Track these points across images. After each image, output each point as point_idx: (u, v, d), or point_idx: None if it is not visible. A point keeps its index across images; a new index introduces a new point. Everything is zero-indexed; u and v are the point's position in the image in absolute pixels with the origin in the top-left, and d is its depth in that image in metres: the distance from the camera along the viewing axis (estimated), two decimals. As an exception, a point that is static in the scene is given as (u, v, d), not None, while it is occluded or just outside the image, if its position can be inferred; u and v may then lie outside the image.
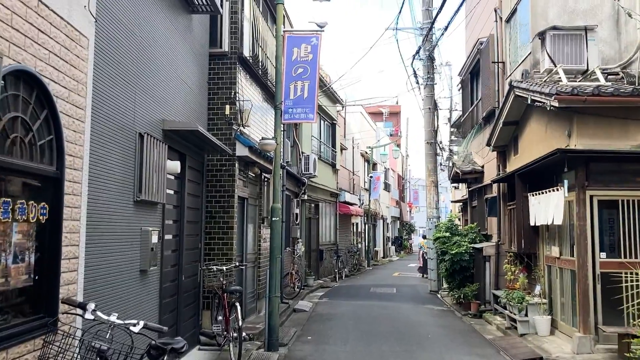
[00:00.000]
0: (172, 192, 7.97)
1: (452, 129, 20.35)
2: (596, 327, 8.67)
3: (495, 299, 12.95)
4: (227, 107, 9.86)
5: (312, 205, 21.08)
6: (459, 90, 23.79)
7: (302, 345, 9.76)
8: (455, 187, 28.90)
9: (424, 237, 27.73)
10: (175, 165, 7.11)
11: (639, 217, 8.74)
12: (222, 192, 10.00)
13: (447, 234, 14.75)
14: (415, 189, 57.73)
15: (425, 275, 24.39)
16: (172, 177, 8.00)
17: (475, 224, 15.48)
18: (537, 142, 10.79)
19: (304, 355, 9.03)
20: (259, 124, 11.76)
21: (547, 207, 9.61)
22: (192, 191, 8.94)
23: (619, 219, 8.83)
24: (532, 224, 10.71)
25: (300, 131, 18.90)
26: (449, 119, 22.91)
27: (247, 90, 10.70)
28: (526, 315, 10.34)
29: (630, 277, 8.22)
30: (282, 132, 14.16)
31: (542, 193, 10.02)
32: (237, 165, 10.11)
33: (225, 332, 8.47)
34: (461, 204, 22.61)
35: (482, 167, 15.68)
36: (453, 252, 14.02)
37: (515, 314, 10.51)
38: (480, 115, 15.72)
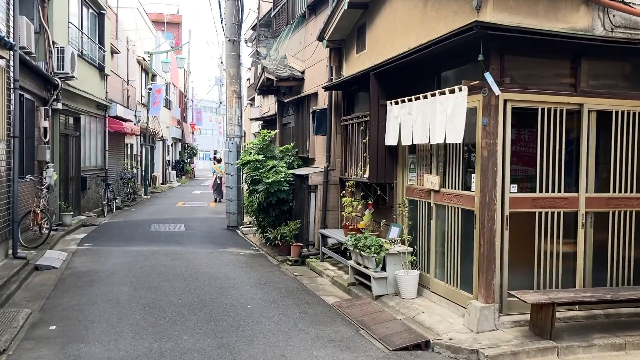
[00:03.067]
0: None
1: (260, 30, 16.41)
2: (501, 291, 6.02)
3: (324, 240, 9.96)
4: None
5: (71, 118, 15.69)
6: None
7: (36, 351, 5.50)
8: (251, 104, 25.48)
9: (219, 160, 23.99)
10: None
11: (560, 132, 6.13)
12: None
13: (261, 157, 11.19)
14: (198, 109, 53.14)
15: (219, 199, 21.53)
16: None
17: (291, 144, 12.16)
18: (406, 29, 7.58)
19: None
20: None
21: (432, 119, 6.54)
22: None
23: (536, 136, 6.14)
24: (392, 143, 7.65)
25: (51, 11, 13.26)
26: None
27: None
28: (383, 269, 7.42)
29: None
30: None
31: (418, 99, 6.92)
32: None
33: None
34: (262, 122, 19.26)
35: (303, 72, 12.28)
36: (269, 180, 10.55)
37: (368, 268, 7.52)
38: (303, 4, 12.12)
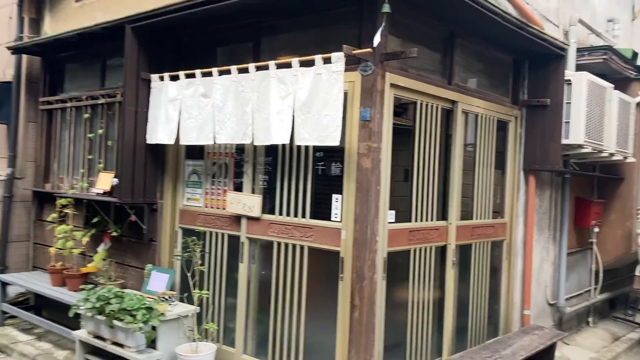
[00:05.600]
0: None
1: None
2: (379, 374, 3.96)
3: (3, 292, 6.24)
4: None
5: None
6: None
7: None
8: None
9: None
10: None
11: (436, 137, 4.44)
12: None
13: None
14: None
15: None
16: None
17: None
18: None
19: None
20: None
21: (262, 107, 4.07)
22: None
23: (412, 142, 4.31)
24: (164, 140, 4.84)
25: None
26: None
27: None
28: (153, 345, 4.55)
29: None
30: None
31: (226, 73, 4.35)
32: None
33: None
34: None
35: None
36: None
37: (127, 346, 4.50)
38: None
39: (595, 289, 6.95)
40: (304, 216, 4.14)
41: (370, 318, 3.81)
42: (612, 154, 5.87)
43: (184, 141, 4.67)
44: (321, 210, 4.07)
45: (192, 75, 4.60)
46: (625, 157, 6.25)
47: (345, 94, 3.82)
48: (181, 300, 4.77)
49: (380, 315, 3.92)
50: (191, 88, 4.62)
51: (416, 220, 4.29)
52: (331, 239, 3.95)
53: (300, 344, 4.12)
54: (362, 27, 3.82)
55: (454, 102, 4.60)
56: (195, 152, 4.98)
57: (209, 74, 4.47)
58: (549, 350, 4.97)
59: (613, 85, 5.80)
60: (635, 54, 6.54)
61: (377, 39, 3.62)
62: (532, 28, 4.69)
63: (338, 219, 3.94)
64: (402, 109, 4.88)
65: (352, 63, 3.78)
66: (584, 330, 6.76)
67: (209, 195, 4.89)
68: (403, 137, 4.28)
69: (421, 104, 4.27)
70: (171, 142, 4.77)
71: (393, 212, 4.07)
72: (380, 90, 3.80)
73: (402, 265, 4.21)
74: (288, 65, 3.94)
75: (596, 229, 6.70)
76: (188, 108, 4.64)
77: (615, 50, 6.09)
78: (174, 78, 4.75)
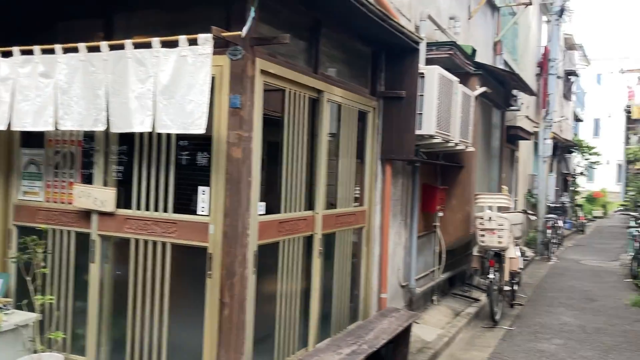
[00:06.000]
0: None
1: None
2: (250, 372, 3.80)
3: None
4: None
5: None
6: None
7: None
8: None
9: None
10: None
11: (303, 125, 4.37)
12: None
13: None
14: None
15: None
16: None
17: None
18: None
19: None
20: None
21: (119, 90, 3.65)
22: None
23: (282, 130, 4.18)
24: (-9, 126, 4.18)
25: None
26: None
27: None
28: (-18, 362, 3.95)
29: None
30: None
31: (72, 51, 3.85)
32: None
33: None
34: None
35: None
36: None
37: (-50, 369, 3.85)
38: None
39: (438, 269, 7.46)
40: (165, 210, 3.83)
41: (240, 315, 3.64)
42: (456, 144, 6.30)
43: (18, 127, 4.05)
44: (186, 203, 3.80)
45: (30, 52, 4.00)
46: (467, 147, 6.75)
47: (213, 79, 3.57)
48: (19, 307, 4.20)
49: (251, 311, 3.76)
50: (28, 66, 4.01)
51: (285, 211, 4.19)
52: (197, 234, 3.70)
53: (162, 346, 3.83)
54: (231, 9, 3.61)
55: (319, 92, 4.56)
56: (33, 139, 4.38)
57: (51, 51, 3.92)
58: (406, 331, 5.20)
59: (459, 79, 6.20)
60: (474, 51, 7.08)
61: (246, 29, 3.43)
62: (393, 21, 4.80)
63: (205, 213, 3.70)
64: (269, 97, 4.73)
65: (220, 46, 3.53)
66: (430, 308, 7.23)
67: (51, 188, 4.34)
68: (270, 126, 4.13)
69: (289, 92, 4.16)
70: (2, 127, 4.12)
71: (263, 203, 3.92)
72: (250, 76, 3.61)
73: (271, 258, 4.08)
74: (148, 46, 3.58)
75: (440, 214, 7.18)
76: (23, 89, 4.03)
77: (459, 46, 6.52)
78: (6, 54, 4.10)
